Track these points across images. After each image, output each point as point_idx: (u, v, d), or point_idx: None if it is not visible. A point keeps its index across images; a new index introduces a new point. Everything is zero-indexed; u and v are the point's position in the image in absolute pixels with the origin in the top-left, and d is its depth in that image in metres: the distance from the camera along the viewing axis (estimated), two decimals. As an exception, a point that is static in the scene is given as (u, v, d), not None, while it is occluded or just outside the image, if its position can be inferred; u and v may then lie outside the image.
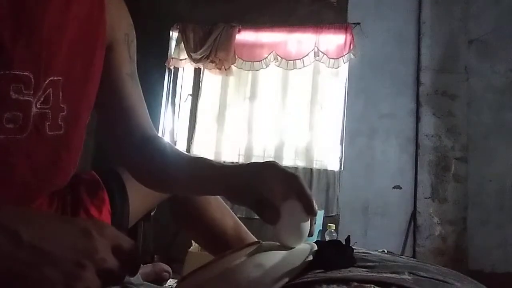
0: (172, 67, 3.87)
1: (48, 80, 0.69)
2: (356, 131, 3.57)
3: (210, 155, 3.62)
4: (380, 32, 3.60)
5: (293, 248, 0.65)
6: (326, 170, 3.62)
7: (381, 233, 3.39)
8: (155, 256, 3.03)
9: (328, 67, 3.60)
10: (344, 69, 3.64)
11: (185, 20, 3.83)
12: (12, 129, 0.66)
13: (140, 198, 1.03)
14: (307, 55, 3.62)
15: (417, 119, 3.50)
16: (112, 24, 0.80)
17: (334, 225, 2.65)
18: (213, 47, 3.70)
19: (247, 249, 0.64)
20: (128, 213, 1.00)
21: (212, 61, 3.73)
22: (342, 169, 3.57)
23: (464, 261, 3.27)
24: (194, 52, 3.73)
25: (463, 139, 3.44)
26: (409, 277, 0.58)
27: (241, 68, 3.75)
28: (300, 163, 3.66)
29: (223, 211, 1.16)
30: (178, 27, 3.84)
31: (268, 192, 0.67)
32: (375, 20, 3.62)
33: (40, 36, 0.67)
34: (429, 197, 3.42)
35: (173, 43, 3.91)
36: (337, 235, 2.78)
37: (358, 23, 3.59)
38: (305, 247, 0.66)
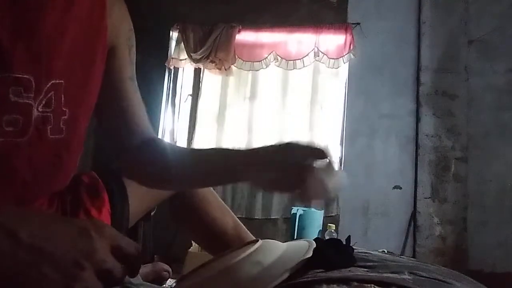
0: (172, 67, 3.87)
1: (49, 83, 0.69)
2: (356, 131, 3.57)
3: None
4: (380, 32, 3.60)
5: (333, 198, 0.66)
6: (326, 170, 3.61)
7: (381, 233, 3.39)
8: (155, 256, 3.03)
9: (328, 67, 3.60)
10: (344, 69, 3.64)
11: (185, 20, 3.83)
12: (12, 132, 0.66)
13: (140, 198, 1.03)
14: (307, 55, 3.62)
15: (417, 119, 3.50)
16: (114, 28, 0.81)
17: (334, 225, 2.65)
18: (213, 47, 3.70)
19: (246, 248, 0.64)
20: (128, 213, 1.00)
21: (212, 61, 3.73)
22: (342, 169, 3.56)
23: (464, 261, 3.27)
24: (194, 52, 3.73)
25: (463, 139, 3.43)
26: (409, 277, 0.58)
27: (241, 68, 3.75)
28: (300, 163, 3.65)
29: (223, 211, 1.16)
30: (178, 27, 3.84)
31: (299, 161, 0.68)
32: (375, 20, 3.62)
33: (41, 39, 0.67)
34: (429, 197, 3.42)
35: (173, 43, 3.91)
36: (337, 235, 2.78)
37: (358, 23, 3.59)
38: (304, 244, 0.66)
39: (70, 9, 0.71)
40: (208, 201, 1.13)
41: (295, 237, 2.79)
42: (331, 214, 3.46)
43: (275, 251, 0.63)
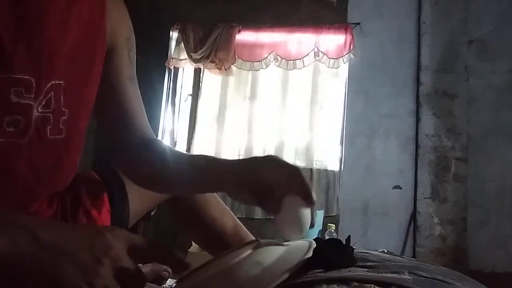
0: (172, 67, 3.86)
1: (49, 84, 0.69)
2: (356, 131, 3.57)
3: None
4: (380, 32, 3.60)
5: (296, 240, 0.66)
6: (326, 170, 3.62)
7: (381, 233, 3.39)
8: (155, 256, 3.02)
9: (328, 67, 3.60)
10: (344, 69, 3.64)
11: (185, 20, 3.83)
12: (12, 132, 0.66)
13: (140, 198, 1.03)
14: (307, 55, 3.62)
15: (417, 119, 3.50)
16: (113, 28, 0.81)
17: (334, 225, 2.65)
18: (213, 47, 3.70)
19: (246, 248, 0.64)
20: (128, 213, 1.00)
21: (212, 61, 3.73)
22: (342, 169, 3.57)
23: (464, 261, 3.27)
24: (194, 52, 3.73)
25: (463, 139, 3.44)
26: (409, 277, 0.58)
27: (241, 68, 3.75)
28: (300, 163, 3.65)
29: (223, 211, 1.16)
30: (178, 27, 3.84)
31: (268, 185, 0.68)
32: (375, 20, 3.62)
33: (41, 40, 0.67)
34: (429, 197, 3.42)
35: (173, 43, 3.91)
36: (337, 235, 2.78)
37: (358, 23, 3.59)
38: (304, 244, 0.66)
39: (70, 10, 0.71)
40: (208, 201, 1.13)
41: (295, 237, 2.79)
42: (331, 214, 3.47)
43: (275, 251, 0.63)
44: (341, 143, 3.61)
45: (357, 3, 3.67)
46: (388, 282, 0.55)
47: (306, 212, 0.68)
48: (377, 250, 0.79)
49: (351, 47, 3.54)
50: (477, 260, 3.25)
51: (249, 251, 0.61)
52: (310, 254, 0.62)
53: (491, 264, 3.22)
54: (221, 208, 1.16)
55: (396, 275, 0.59)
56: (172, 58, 3.84)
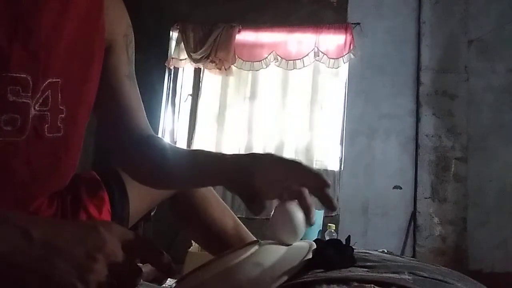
0: (172, 67, 3.86)
1: (46, 82, 0.69)
2: (356, 131, 3.57)
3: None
4: (380, 32, 3.60)
5: (290, 245, 0.66)
6: (326, 170, 3.62)
7: (381, 233, 3.39)
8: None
9: (328, 67, 3.60)
10: (344, 69, 3.64)
11: (185, 20, 3.83)
12: (10, 131, 0.66)
13: (140, 198, 1.03)
14: (307, 55, 3.62)
15: (417, 119, 3.50)
16: (111, 25, 0.80)
17: (334, 225, 2.64)
18: (213, 47, 3.70)
19: (246, 248, 0.64)
20: (128, 213, 1.00)
21: (212, 61, 3.73)
22: (342, 169, 3.57)
23: (464, 261, 3.27)
24: (194, 52, 3.73)
25: (463, 139, 3.44)
26: (409, 277, 0.58)
27: (241, 68, 3.75)
28: (300, 163, 3.65)
29: (223, 211, 1.16)
30: (178, 27, 3.84)
31: (260, 183, 0.67)
32: (375, 20, 3.62)
33: (38, 38, 0.67)
34: (429, 197, 3.42)
35: (173, 43, 3.91)
36: (337, 235, 2.78)
37: (358, 23, 3.59)
38: (304, 245, 0.66)
39: (67, 8, 0.70)
40: (208, 201, 1.13)
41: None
42: (331, 214, 3.46)
43: (276, 252, 0.63)
44: (341, 143, 3.61)
45: (357, 3, 3.67)
46: (388, 282, 0.55)
47: (301, 217, 0.66)
48: (377, 250, 0.79)
49: (351, 47, 3.54)
50: (477, 260, 3.25)
51: (249, 252, 0.61)
52: (310, 255, 0.62)
53: (491, 264, 3.22)
54: (221, 207, 1.16)
55: (396, 275, 0.59)
56: (172, 58, 3.84)
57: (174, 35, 3.92)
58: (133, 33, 0.88)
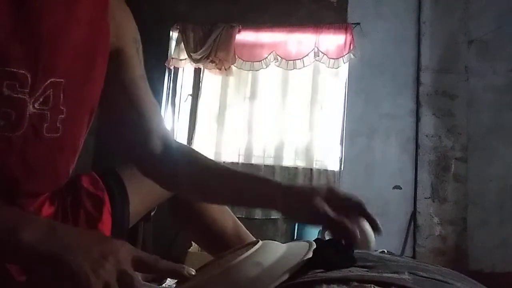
0: (172, 67, 3.87)
1: (48, 81, 0.69)
2: (356, 131, 3.57)
3: (210, 155, 3.62)
4: (380, 32, 3.60)
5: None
6: (326, 170, 3.62)
7: (381, 233, 3.38)
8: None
9: (328, 67, 3.60)
10: (344, 69, 3.64)
11: (185, 20, 3.83)
12: (2, 126, 0.66)
13: (140, 198, 1.03)
14: (307, 55, 3.62)
15: (417, 119, 3.50)
16: (119, 29, 0.81)
17: (334, 225, 2.64)
18: (213, 47, 3.70)
19: (246, 248, 0.64)
20: (128, 213, 1.00)
21: (212, 61, 3.73)
22: (342, 169, 3.57)
23: (464, 261, 3.27)
24: (194, 52, 3.73)
25: (463, 139, 3.44)
26: (409, 277, 0.58)
27: (241, 68, 3.75)
28: (300, 163, 3.66)
29: (223, 211, 1.16)
30: (178, 27, 3.84)
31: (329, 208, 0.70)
32: (375, 20, 3.62)
33: (40, 36, 0.67)
34: (429, 197, 3.42)
35: (173, 43, 3.91)
36: (337, 235, 2.77)
37: (358, 23, 3.59)
38: (303, 245, 0.66)
39: (72, 9, 0.71)
40: (208, 201, 1.13)
41: (295, 237, 2.79)
42: (369, 250, 3.46)
43: (275, 252, 0.63)
44: (341, 143, 3.62)
45: (357, 3, 3.67)
46: (388, 282, 0.55)
47: (370, 229, 0.72)
48: (377, 250, 0.79)
49: (351, 47, 3.54)
50: (477, 260, 3.25)
51: (249, 252, 0.61)
52: (310, 254, 0.62)
53: (491, 264, 3.22)
54: (221, 208, 1.16)
55: (396, 275, 0.59)
56: (172, 58, 3.84)
57: (174, 35, 3.92)
58: (139, 35, 0.88)
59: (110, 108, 0.84)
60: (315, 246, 0.65)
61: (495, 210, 3.30)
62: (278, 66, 3.69)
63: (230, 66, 3.73)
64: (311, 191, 0.73)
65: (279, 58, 3.67)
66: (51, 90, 0.69)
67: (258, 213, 3.51)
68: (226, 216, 1.16)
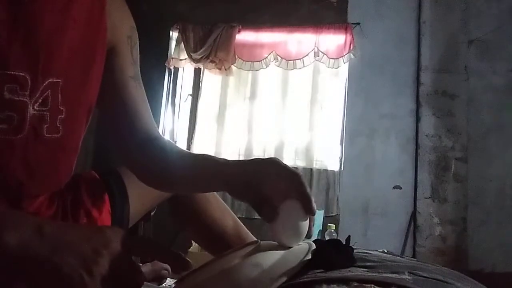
0: (172, 67, 3.87)
1: (47, 82, 0.68)
2: (356, 131, 3.57)
3: (210, 155, 3.61)
4: (380, 32, 3.60)
5: (291, 247, 0.65)
6: (326, 170, 3.62)
7: (381, 233, 3.39)
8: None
9: (328, 67, 3.60)
10: (344, 69, 3.64)
11: (185, 20, 3.83)
12: (5, 129, 0.66)
13: (140, 198, 1.03)
14: (307, 55, 3.62)
15: (417, 119, 3.50)
16: (114, 27, 0.80)
17: (334, 225, 2.64)
18: (213, 47, 3.70)
19: (246, 249, 0.64)
20: (128, 213, 1.00)
21: (212, 61, 3.73)
22: (342, 169, 3.56)
23: (464, 261, 3.27)
24: (194, 52, 3.73)
25: (463, 139, 3.43)
26: (409, 277, 0.58)
27: (241, 68, 3.75)
28: (300, 163, 3.66)
29: (223, 211, 1.16)
30: (178, 27, 3.84)
31: (268, 190, 0.67)
32: (375, 20, 3.62)
33: (39, 37, 0.66)
34: (429, 197, 3.42)
35: (173, 43, 3.91)
36: (337, 235, 2.78)
37: (358, 23, 3.59)
38: (303, 246, 0.66)
39: (70, 8, 0.70)
40: (208, 201, 1.13)
41: (295, 237, 2.78)
42: (331, 214, 3.46)
43: (275, 253, 0.63)
44: (341, 143, 3.61)
45: (357, 3, 3.67)
46: (388, 282, 0.55)
47: (304, 220, 0.66)
48: (377, 250, 0.79)
49: (351, 47, 3.54)
50: (477, 260, 3.25)
51: (249, 252, 0.61)
52: (309, 255, 0.62)
53: (491, 264, 3.22)
54: (221, 208, 1.16)
55: (396, 275, 0.59)
56: (172, 58, 3.84)
57: (174, 35, 3.92)
58: (137, 35, 0.88)
59: (100, 104, 0.83)
60: (314, 247, 0.65)
61: (495, 210, 3.30)
62: (278, 66, 3.69)
63: (230, 66, 3.73)
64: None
65: (279, 58, 3.67)
66: (50, 90, 0.69)
67: (258, 213, 3.51)
68: (226, 215, 1.16)
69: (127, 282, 0.50)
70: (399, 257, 0.74)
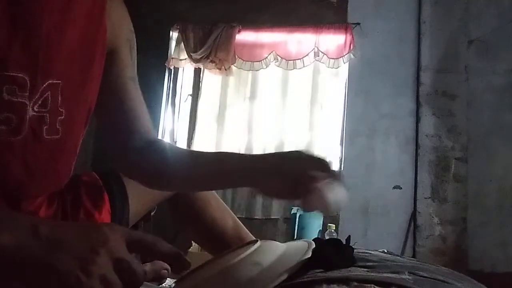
0: (172, 67, 3.87)
1: (46, 83, 0.68)
2: (356, 131, 3.57)
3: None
4: (380, 32, 3.60)
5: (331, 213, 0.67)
6: (326, 170, 3.61)
7: (381, 233, 3.39)
8: (155, 256, 3.02)
9: (328, 67, 3.60)
10: (344, 69, 3.64)
11: (185, 20, 3.83)
12: (4, 131, 0.65)
13: (140, 198, 1.03)
14: (307, 55, 3.62)
15: (417, 119, 3.50)
16: (113, 29, 0.80)
17: (334, 225, 2.65)
18: (213, 47, 3.70)
19: (245, 248, 0.64)
20: (128, 213, 1.00)
21: (212, 61, 3.73)
22: (342, 169, 3.56)
23: (464, 261, 3.27)
24: (194, 52, 3.73)
25: (463, 139, 3.43)
26: (409, 277, 0.58)
27: (241, 68, 3.75)
28: (300, 163, 3.65)
29: (223, 211, 1.16)
30: (178, 27, 3.84)
31: (299, 175, 0.68)
32: (375, 20, 3.62)
33: (38, 38, 0.66)
34: (429, 197, 3.42)
35: (173, 43, 3.91)
36: (337, 235, 2.78)
37: (358, 23, 3.59)
38: (303, 244, 0.66)
39: (69, 10, 0.70)
40: (208, 201, 1.13)
41: (295, 237, 2.79)
42: (331, 214, 3.46)
43: (275, 251, 0.63)
44: (341, 143, 3.61)
45: (357, 3, 3.67)
46: (388, 282, 0.55)
47: (340, 189, 0.69)
48: (377, 250, 0.79)
49: (351, 47, 3.54)
50: (477, 260, 3.25)
51: (248, 251, 0.61)
52: (309, 254, 0.62)
53: (491, 264, 3.22)
54: (221, 208, 1.16)
55: (396, 275, 0.59)
56: (172, 58, 3.84)
57: (174, 35, 3.92)
58: (135, 37, 0.88)
59: (97, 106, 0.83)
60: (314, 246, 0.65)
61: (495, 210, 3.30)
62: (278, 66, 3.69)
63: (230, 66, 3.73)
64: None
65: (279, 58, 3.67)
66: (49, 92, 0.69)
67: (258, 213, 3.52)
68: (226, 215, 1.16)
69: (126, 280, 0.49)
70: (399, 257, 0.74)
